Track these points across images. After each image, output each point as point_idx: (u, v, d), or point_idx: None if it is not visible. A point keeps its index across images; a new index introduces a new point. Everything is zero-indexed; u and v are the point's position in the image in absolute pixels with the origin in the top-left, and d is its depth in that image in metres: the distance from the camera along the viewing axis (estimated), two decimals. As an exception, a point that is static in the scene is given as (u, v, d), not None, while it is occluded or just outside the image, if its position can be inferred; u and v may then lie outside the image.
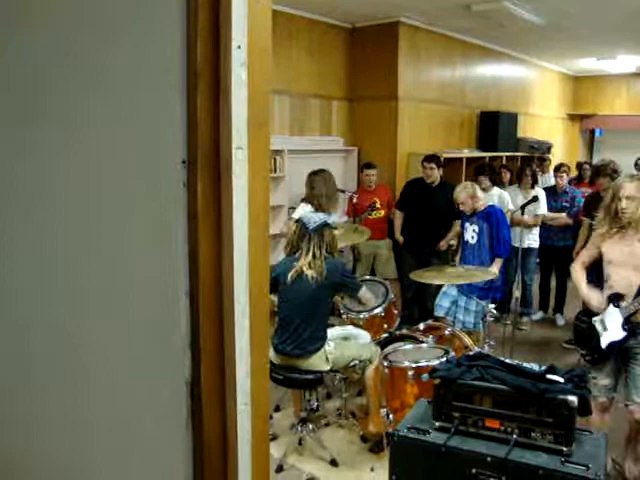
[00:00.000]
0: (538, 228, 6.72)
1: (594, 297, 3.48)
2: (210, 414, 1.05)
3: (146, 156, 1.03)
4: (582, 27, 7.40)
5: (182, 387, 1.04)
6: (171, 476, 1.10)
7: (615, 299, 3.33)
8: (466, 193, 5.18)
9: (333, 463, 3.91)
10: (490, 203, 5.52)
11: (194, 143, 0.99)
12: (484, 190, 6.11)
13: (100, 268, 1.04)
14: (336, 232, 4.12)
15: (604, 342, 3.30)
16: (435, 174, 6.15)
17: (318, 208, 5.15)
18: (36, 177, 1.17)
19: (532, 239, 6.69)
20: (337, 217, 5.84)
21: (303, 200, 5.47)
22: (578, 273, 3.70)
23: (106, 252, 1.04)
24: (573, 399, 2.48)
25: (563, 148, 11.92)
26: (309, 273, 3.83)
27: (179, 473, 1.07)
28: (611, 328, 3.28)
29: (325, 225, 3.96)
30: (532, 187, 6.83)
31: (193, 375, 1.04)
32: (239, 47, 0.97)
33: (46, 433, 1.14)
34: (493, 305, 4.84)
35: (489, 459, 2.47)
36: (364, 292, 4.11)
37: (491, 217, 5.17)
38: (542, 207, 6.55)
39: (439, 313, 5.07)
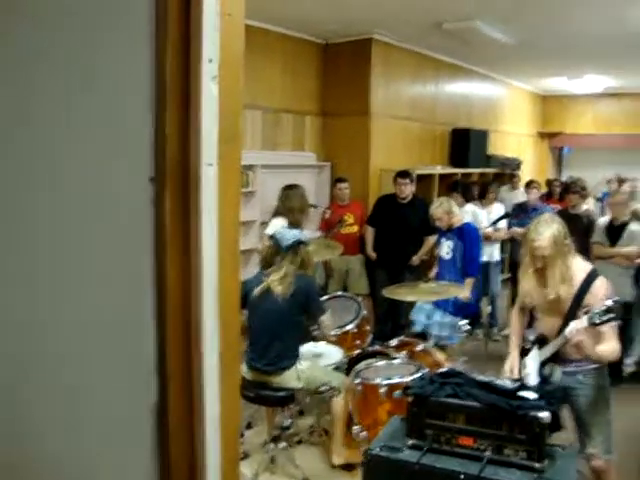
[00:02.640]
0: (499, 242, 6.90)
1: (509, 362, 3.39)
2: (178, 442, 1.01)
3: (112, 172, 1.00)
4: (550, 48, 7.55)
5: (148, 414, 1.00)
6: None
7: (538, 342, 3.26)
8: (442, 209, 5.21)
9: (305, 482, 3.87)
10: (466, 220, 5.57)
11: (162, 159, 0.96)
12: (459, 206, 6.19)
13: (61, 288, 0.99)
14: (309, 248, 4.09)
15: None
16: (409, 190, 6.18)
17: (292, 223, 5.13)
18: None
19: (497, 253, 6.83)
20: (310, 233, 5.82)
21: (275, 215, 5.43)
22: (514, 321, 3.61)
23: (68, 270, 1.00)
24: (545, 415, 2.49)
25: (532, 165, 12.10)
26: (276, 290, 3.81)
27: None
28: (530, 372, 3.16)
29: (299, 242, 3.94)
30: (493, 202, 7.07)
31: (159, 401, 1.00)
32: (210, 60, 0.94)
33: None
34: (465, 321, 4.87)
35: (462, 477, 2.46)
36: (326, 318, 4.06)
37: (465, 234, 5.21)
38: (502, 223, 6.71)
39: (417, 329, 5.06)
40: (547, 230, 3.12)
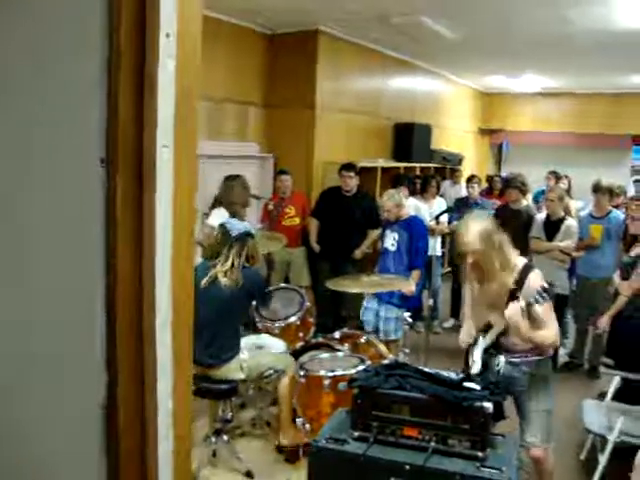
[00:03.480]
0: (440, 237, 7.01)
1: (464, 329, 3.46)
2: (128, 438, 0.96)
3: (62, 154, 0.93)
4: (492, 46, 7.72)
5: (97, 411, 0.94)
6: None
7: (483, 331, 3.29)
8: (393, 201, 5.23)
9: (248, 475, 3.83)
10: (412, 213, 5.62)
11: (114, 139, 0.90)
12: None
13: (6, 274, 0.93)
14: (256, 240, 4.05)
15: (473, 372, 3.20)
16: (353, 183, 6.20)
17: (233, 214, 5.05)
18: None
19: (439, 247, 6.95)
20: (253, 224, 5.76)
21: (214, 205, 5.33)
22: (467, 295, 3.63)
23: (14, 257, 0.93)
24: (488, 406, 2.52)
25: (474, 160, 12.33)
26: (223, 281, 3.75)
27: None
28: (476, 359, 3.23)
29: (248, 234, 3.89)
30: (434, 197, 7.20)
31: (109, 397, 0.95)
32: (167, 35, 0.89)
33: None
34: (408, 313, 4.91)
35: (408, 467, 2.47)
36: (271, 308, 4.06)
37: (412, 227, 5.24)
38: (444, 217, 6.83)
39: (368, 329, 5.07)
40: (472, 226, 3.13)
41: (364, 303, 5.27)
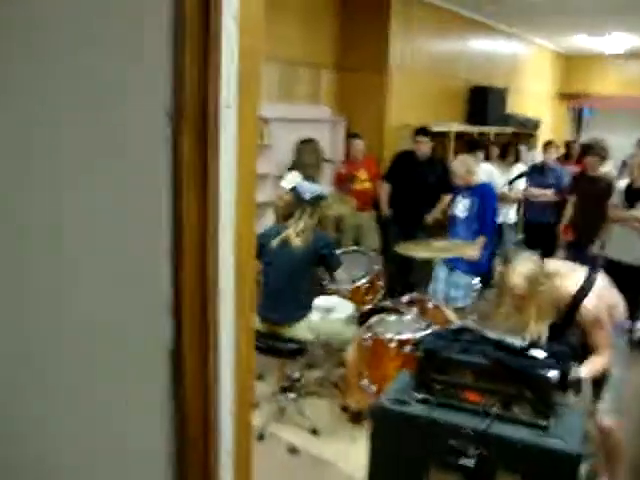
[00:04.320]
0: (516, 204, 6.83)
1: None
2: (192, 381, 1.01)
3: (128, 106, 0.97)
4: (574, 1, 7.34)
5: (163, 354, 1.00)
6: (153, 446, 1.07)
7: None
8: (464, 167, 5.17)
9: (314, 432, 3.93)
10: (483, 179, 5.53)
11: (181, 96, 0.94)
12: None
13: (74, 228, 0.98)
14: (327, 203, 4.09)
15: None
16: (427, 148, 6.13)
17: (306, 177, 5.09)
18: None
19: (513, 214, 6.80)
20: (325, 187, 5.79)
21: (291, 169, 5.39)
22: None
23: (82, 212, 0.98)
24: (553, 374, 2.49)
25: (552, 126, 11.91)
26: (295, 242, 3.81)
27: (161, 445, 1.05)
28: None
29: (320, 197, 3.94)
30: (514, 163, 7.00)
31: (175, 342, 1.01)
32: (230, -3, 0.92)
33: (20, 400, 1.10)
34: (478, 279, 4.86)
35: (469, 431, 2.48)
36: (341, 272, 4.09)
37: (483, 195, 5.17)
38: (522, 183, 6.64)
39: (438, 300, 5.05)
40: (522, 269, 3.06)
41: (434, 273, 5.24)
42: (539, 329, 3.06)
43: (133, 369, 1.02)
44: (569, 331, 3.17)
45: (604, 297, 3.10)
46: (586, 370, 2.98)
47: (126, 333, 0.99)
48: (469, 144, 7.12)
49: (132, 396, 1.02)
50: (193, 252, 1.00)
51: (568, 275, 3.18)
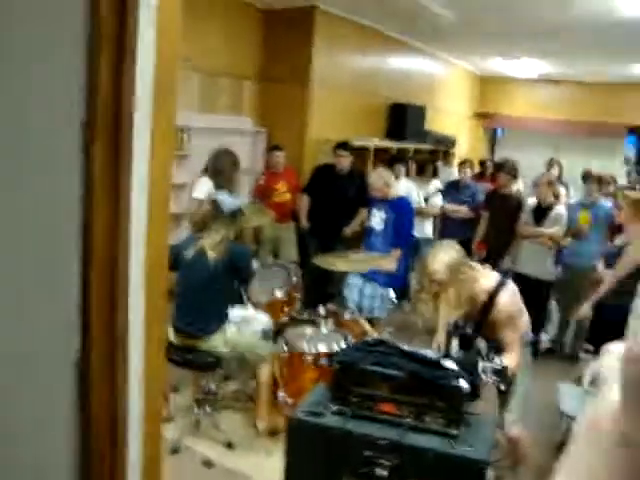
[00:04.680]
0: (432, 218, 7.03)
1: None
2: (99, 395, 0.99)
3: (41, 114, 0.94)
4: (490, 28, 7.66)
5: (70, 367, 0.97)
6: (57, 459, 1.03)
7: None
8: (382, 180, 5.25)
9: (229, 446, 3.88)
10: (401, 194, 5.64)
11: (94, 103, 0.92)
12: (396, 179, 6.27)
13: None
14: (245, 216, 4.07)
15: None
16: (347, 162, 6.20)
17: (219, 187, 4.99)
18: None
19: (429, 230, 6.98)
20: (243, 198, 5.75)
21: (202, 174, 5.25)
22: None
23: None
24: (465, 385, 2.57)
25: (468, 144, 12.33)
26: (210, 254, 3.77)
27: (66, 456, 1.01)
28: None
29: (239, 211, 3.92)
30: (430, 179, 7.23)
31: (82, 355, 0.98)
32: (148, 5, 0.90)
33: None
34: (392, 292, 4.95)
35: (383, 442, 2.51)
36: (256, 284, 4.08)
37: (400, 207, 5.28)
38: (439, 199, 6.83)
39: (350, 305, 5.10)
40: (443, 256, 3.16)
41: (347, 279, 5.30)
42: (451, 315, 3.15)
43: (40, 382, 0.98)
44: (477, 336, 3.27)
45: (515, 300, 3.24)
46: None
47: (33, 347, 0.96)
48: (391, 159, 7.26)
49: (39, 410, 0.99)
50: (103, 264, 0.97)
51: (484, 273, 3.30)
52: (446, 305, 3.15)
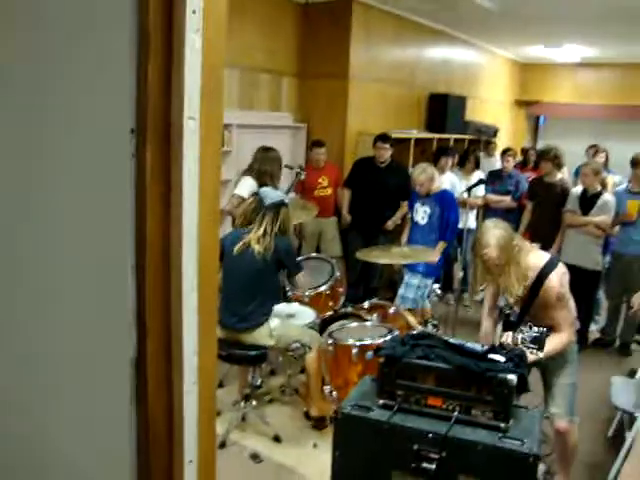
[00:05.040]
0: (475, 209, 6.95)
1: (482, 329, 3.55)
2: (156, 393, 1.02)
3: (93, 122, 0.98)
4: (530, 14, 7.51)
5: (127, 365, 1.00)
6: (116, 453, 1.07)
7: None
8: (426, 175, 5.24)
9: (276, 439, 3.93)
10: (443, 187, 5.60)
11: (144, 111, 0.94)
12: (441, 172, 6.25)
13: (43, 240, 0.98)
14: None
15: None
16: (388, 154, 6.18)
17: (262, 185, 5.06)
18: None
19: (473, 221, 6.90)
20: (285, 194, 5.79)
21: (245, 173, 5.33)
22: (485, 325, 3.60)
23: (50, 225, 0.98)
24: (512, 378, 2.54)
25: (509, 133, 12.14)
26: (256, 248, 3.81)
27: (124, 450, 1.04)
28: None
29: (282, 204, 3.94)
30: (473, 171, 7.12)
31: (139, 352, 1.01)
32: (194, 12, 0.92)
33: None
34: (437, 285, 4.93)
35: (430, 435, 2.51)
36: (301, 276, 4.11)
37: (444, 201, 5.26)
38: (481, 189, 6.77)
39: (406, 306, 5.09)
40: (492, 239, 3.13)
41: (405, 279, 5.30)
42: (519, 290, 3.14)
43: (99, 381, 1.02)
44: (522, 321, 3.25)
45: (564, 282, 3.20)
46: (549, 348, 3.05)
47: (91, 347, 0.99)
48: (437, 151, 7.20)
49: (98, 408, 1.02)
50: (157, 266, 1.00)
51: (534, 251, 3.27)
52: (509, 281, 3.14)
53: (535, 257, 3.22)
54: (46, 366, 1.00)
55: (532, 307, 3.21)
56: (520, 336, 2.95)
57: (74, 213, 0.97)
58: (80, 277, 0.99)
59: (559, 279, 3.15)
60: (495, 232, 3.15)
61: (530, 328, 2.96)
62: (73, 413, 1.03)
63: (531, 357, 2.90)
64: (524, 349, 2.88)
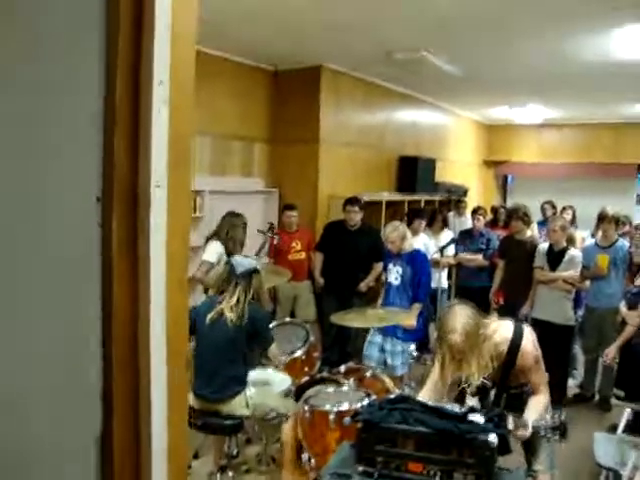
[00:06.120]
0: (447, 268, 7.02)
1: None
2: (123, 474, 0.97)
3: (57, 190, 0.96)
4: (493, 79, 7.83)
5: (91, 444, 0.96)
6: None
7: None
8: (398, 233, 5.25)
9: (253, 512, 3.80)
10: (418, 247, 5.64)
11: (110, 179, 0.94)
12: (415, 234, 6.31)
13: (4, 312, 0.95)
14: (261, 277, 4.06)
15: None
16: (358, 217, 6.22)
17: (228, 250, 5.07)
18: None
19: (444, 280, 6.96)
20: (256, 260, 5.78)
21: (211, 238, 5.32)
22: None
23: (9, 293, 0.95)
24: (493, 439, 2.50)
25: (479, 192, 12.39)
26: (229, 316, 3.77)
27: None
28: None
29: (254, 271, 3.92)
30: (442, 230, 7.25)
31: (104, 432, 0.97)
32: (161, 82, 0.93)
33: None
34: (413, 346, 4.89)
35: (412, 503, 2.45)
36: (274, 348, 4.06)
37: (415, 261, 5.27)
38: (451, 249, 6.85)
39: (371, 363, 5.03)
40: (458, 324, 3.06)
41: (368, 337, 5.27)
42: (480, 377, 3.10)
43: (62, 463, 0.97)
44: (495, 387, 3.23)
45: (535, 340, 3.20)
46: (535, 412, 3.03)
47: (55, 425, 0.95)
48: (410, 214, 7.29)
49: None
50: (124, 338, 0.98)
51: (500, 323, 3.26)
52: (469, 370, 3.10)
53: (501, 331, 3.20)
54: (6, 445, 0.95)
55: (510, 375, 3.20)
56: (536, 423, 2.94)
57: (37, 286, 0.94)
58: (44, 354, 0.96)
59: (532, 343, 3.15)
60: (462, 318, 3.08)
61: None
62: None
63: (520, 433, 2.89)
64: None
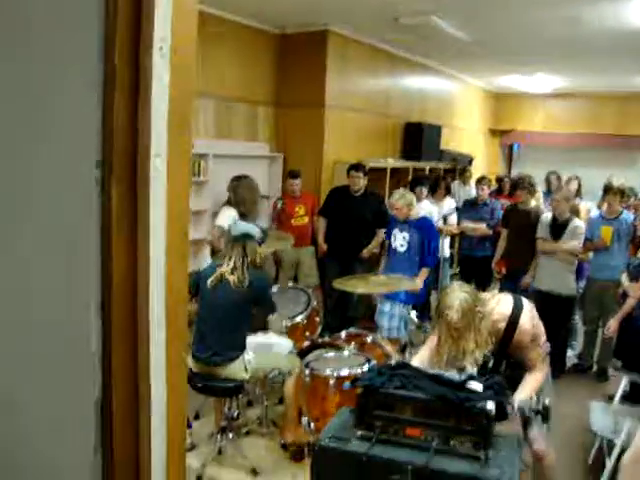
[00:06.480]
0: (449, 237, 7.03)
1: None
2: (122, 434, 0.98)
3: (58, 156, 0.96)
4: (503, 46, 7.69)
5: (91, 407, 0.97)
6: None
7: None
8: (405, 200, 5.24)
9: (254, 472, 3.85)
10: (423, 214, 5.64)
11: (110, 144, 0.93)
12: (417, 200, 6.28)
13: (5, 277, 0.95)
14: (261, 247, 4.05)
15: None
16: (362, 183, 6.19)
17: (243, 214, 5.08)
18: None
19: (447, 248, 6.97)
20: (264, 223, 5.79)
21: (225, 204, 5.36)
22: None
23: (8, 257, 0.95)
24: (491, 407, 2.53)
25: (484, 161, 12.30)
26: (231, 279, 3.77)
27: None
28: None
29: (246, 236, 3.89)
30: (444, 197, 7.23)
31: (103, 394, 0.98)
32: (161, 47, 0.91)
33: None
34: (414, 312, 4.91)
35: (410, 467, 2.48)
36: (272, 317, 4.09)
37: (424, 228, 5.27)
38: (453, 217, 6.83)
39: (384, 335, 5.05)
40: (455, 301, 3.08)
41: (378, 306, 5.29)
42: (478, 356, 3.12)
43: (62, 427, 0.98)
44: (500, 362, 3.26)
45: (534, 319, 3.21)
46: (529, 390, 3.07)
47: (54, 392, 0.96)
48: (412, 181, 7.27)
49: (62, 456, 0.99)
50: (123, 302, 0.98)
51: (498, 300, 3.27)
52: (467, 347, 3.12)
53: (500, 307, 3.21)
54: (9, 414, 0.96)
55: (508, 349, 3.22)
56: (519, 402, 2.98)
57: (38, 247, 0.94)
58: (41, 315, 0.96)
59: (530, 320, 3.16)
60: (460, 295, 3.10)
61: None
62: (37, 462, 0.99)
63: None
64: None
